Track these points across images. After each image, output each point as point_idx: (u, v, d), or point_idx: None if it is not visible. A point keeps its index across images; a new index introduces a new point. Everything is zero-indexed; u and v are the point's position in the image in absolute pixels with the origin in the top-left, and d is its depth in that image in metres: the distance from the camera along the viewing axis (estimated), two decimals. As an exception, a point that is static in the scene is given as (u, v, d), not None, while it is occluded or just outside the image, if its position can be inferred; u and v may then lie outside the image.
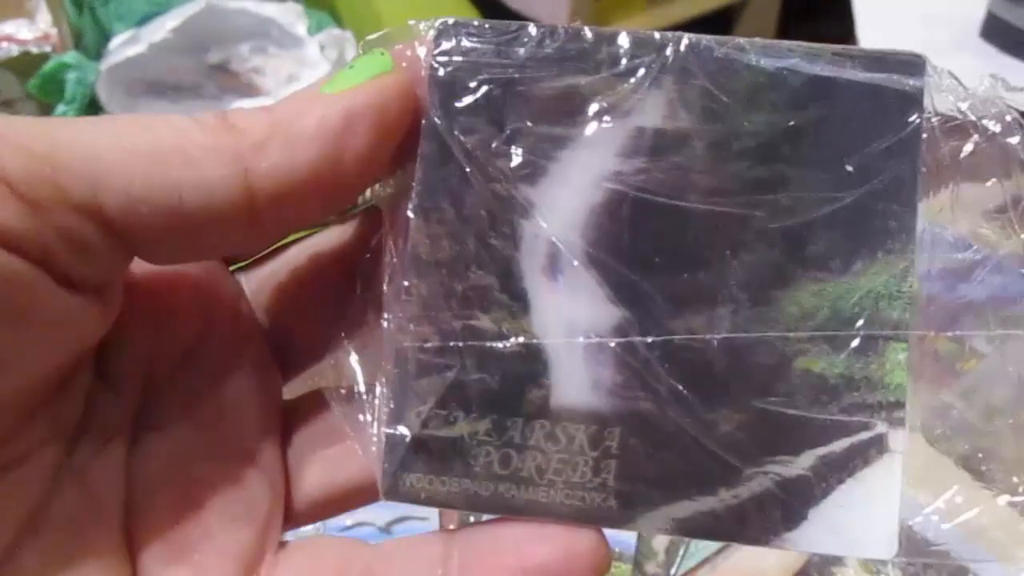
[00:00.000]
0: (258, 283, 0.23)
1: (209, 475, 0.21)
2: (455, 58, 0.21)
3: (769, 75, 0.21)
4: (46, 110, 0.91)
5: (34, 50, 0.89)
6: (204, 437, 0.21)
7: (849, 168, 0.20)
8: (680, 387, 0.20)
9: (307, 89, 0.19)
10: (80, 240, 0.17)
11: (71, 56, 0.89)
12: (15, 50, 0.89)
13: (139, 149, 0.17)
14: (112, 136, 0.17)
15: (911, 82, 0.20)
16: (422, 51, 0.21)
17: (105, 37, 0.96)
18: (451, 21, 0.21)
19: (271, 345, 0.23)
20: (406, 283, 0.20)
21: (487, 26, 0.21)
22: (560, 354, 0.20)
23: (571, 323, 0.20)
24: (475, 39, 0.21)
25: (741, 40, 0.21)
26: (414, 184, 0.21)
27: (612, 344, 0.20)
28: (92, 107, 0.92)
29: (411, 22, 0.21)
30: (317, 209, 0.20)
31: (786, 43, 0.21)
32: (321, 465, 0.22)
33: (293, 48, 0.98)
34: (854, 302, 0.20)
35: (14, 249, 0.16)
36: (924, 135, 0.20)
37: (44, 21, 0.91)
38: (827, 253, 0.20)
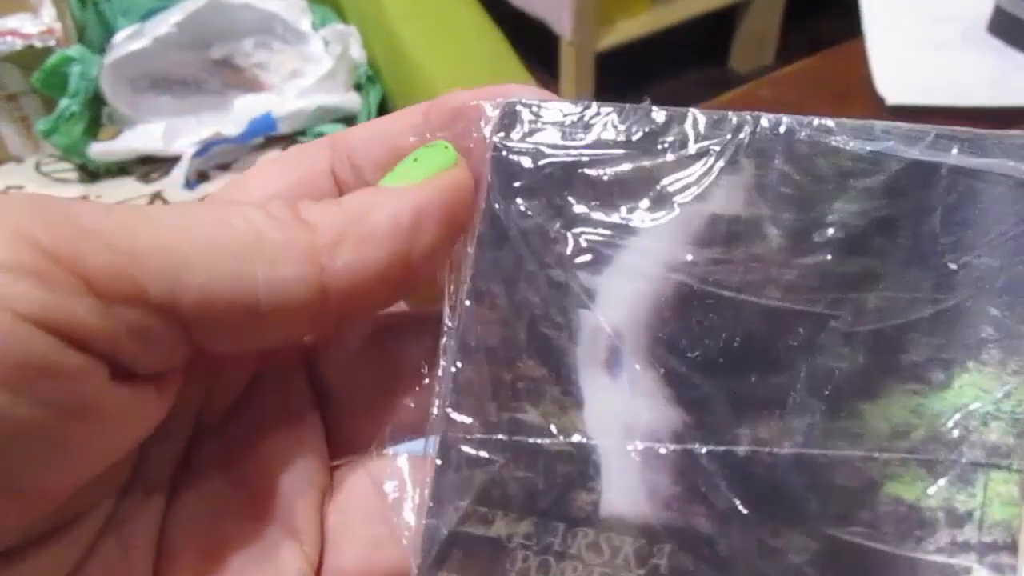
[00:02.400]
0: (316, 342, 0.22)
1: (241, 536, 0.20)
2: (518, 140, 0.20)
3: (859, 159, 0.18)
4: (49, 103, 0.90)
5: (38, 44, 0.88)
6: (241, 495, 0.20)
7: (952, 266, 0.17)
8: (742, 505, 0.17)
9: (374, 188, 0.19)
10: (149, 334, 0.17)
11: (75, 50, 0.88)
12: (19, 44, 0.88)
13: (218, 246, 0.17)
14: (192, 231, 0.17)
15: None
16: (487, 130, 0.20)
17: (109, 32, 0.95)
18: (516, 102, 0.20)
19: (323, 410, 0.22)
20: (453, 369, 0.19)
21: (553, 107, 0.20)
22: (613, 457, 0.18)
23: (628, 424, 0.18)
24: (540, 120, 0.20)
25: (828, 121, 0.18)
26: (470, 267, 0.19)
27: (670, 451, 0.18)
28: (95, 101, 0.92)
29: (478, 102, 0.20)
30: (385, 300, 0.20)
31: (880, 123, 0.18)
32: (360, 543, 0.21)
33: (297, 44, 0.98)
34: (956, 421, 0.17)
35: (83, 346, 0.15)
36: None
37: (48, 15, 0.90)
38: (925, 363, 0.17)
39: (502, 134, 0.20)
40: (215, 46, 0.96)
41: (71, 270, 0.15)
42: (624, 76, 1.40)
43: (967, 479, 0.17)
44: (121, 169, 0.93)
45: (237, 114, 0.94)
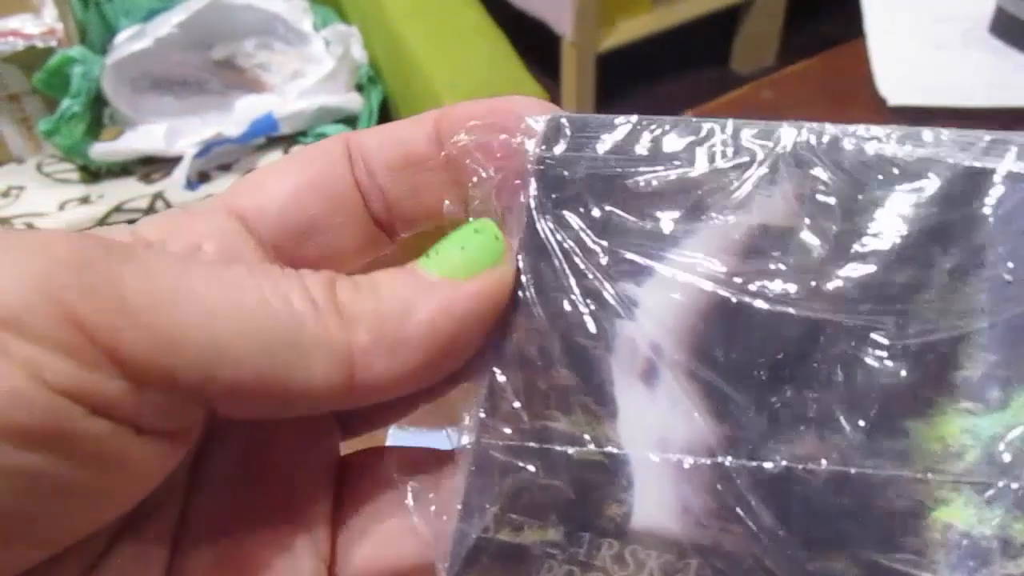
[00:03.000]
0: None
1: (254, 534, 0.20)
2: (560, 153, 0.19)
3: (907, 167, 0.17)
4: (51, 104, 0.90)
5: (39, 45, 0.88)
6: (253, 492, 0.20)
7: (1008, 278, 0.16)
8: (778, 525, 0.16)
9: (413, 277, 0.19)
10: (174, 410, 0.17)
11: (77, 51, 0.88)
12: (20, 44, 0.88)
13: (254, 337, 0.17)
14: (231, 313, 0.17)
15: None
16: (530, 144, 0.20)
17: (111, 32, 0.94)
18: (560, 116, 0.20)
19: None
20: (489, 376, 0.19)
21: (595, 121, 0.19)
22: (645, 469, 0.18)
23: (662, 437, 0.18)
24: (582, 134, 0.20)
25: (875, 128, 0.18)
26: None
27: (704, 464, 0.17)
28: (97, 102, 0.92)
29: (527, 119, 0.20)
30: (411, 398, 0.20)
31: (929, 130, 0.17)
32: (373, 539, 0.21)
33: (298, 44, 0.98)
34: (1014, 443, 0.16)
35: (109, 415, 0.16)
36: None
37: (50, 16, 0.90)
38: (980, 380, 0.16)
39: (544, 147, 0.20)
40: (217, 47, 0.96)
41: (106, 351, 0.15)
42: (625, 77, 1.40)
43: None
44: (123, 169, 0.92)
45: (238, 115, 0.94)
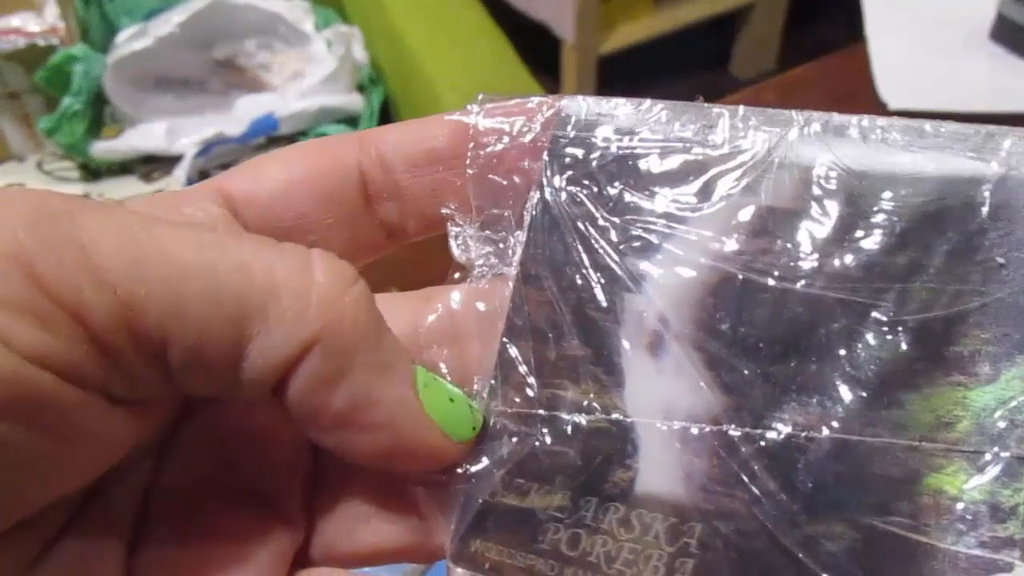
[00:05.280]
0: None
1: (222, 516, 0.19)
2: (573, 134, 0.20)
3: (909, 156, 0.18)
4: (52, 102, 0.90)
5: (41, 43, 0.88)
6: (223, 475, 0.20)
7: (1001, 260, 0.17)
8: (778, 490, 0.17)
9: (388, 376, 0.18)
10: (137, 374, 0.16)
11: (78, 49, 0.88)
12: (22, 42, 0.88)
13: (214, 300, 0.16)
14: (196, 277, 0.16)
15: None
16: (537, 122, 0.20)
17: (112, 31, 0.95)
18: (574, 98, 0.20)
19: None
20: (499, 347, 0.20)
21: (608, 103, 0.20)
22: (651, 436, 0.18)
23: (667, 406, 0.18)
24: (595, 115, 0.20)
25: (879, 119, 0.18)
26: (520, 250, 0.20)
27: (708, 432, 0.18)
28: (98, 100, 0.92)
29: (539, 98, 0.20)
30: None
31: (931, 122, 0.18)
32: (349, 522, 0.20)
33: (299, 44, 0.98)
34: (1002, 415, 0.16)
35: (76, 382, 0.15)
36: None
37: (51, 14, 0.90)
38: (972, 355, 0.17)
39: (559, 127, 0.20)
40: (218, 46, 0.96)
41: (71, 315, 0.15)
42: (626, 80, 1.40)
43: (1012, 474, 0.16)
44: (123, 168, 0.93)
45: (239, 114, 0.94)
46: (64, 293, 0.15)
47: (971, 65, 0.59)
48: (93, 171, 0.92)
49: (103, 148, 0.90)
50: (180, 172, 0.88)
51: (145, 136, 0.91)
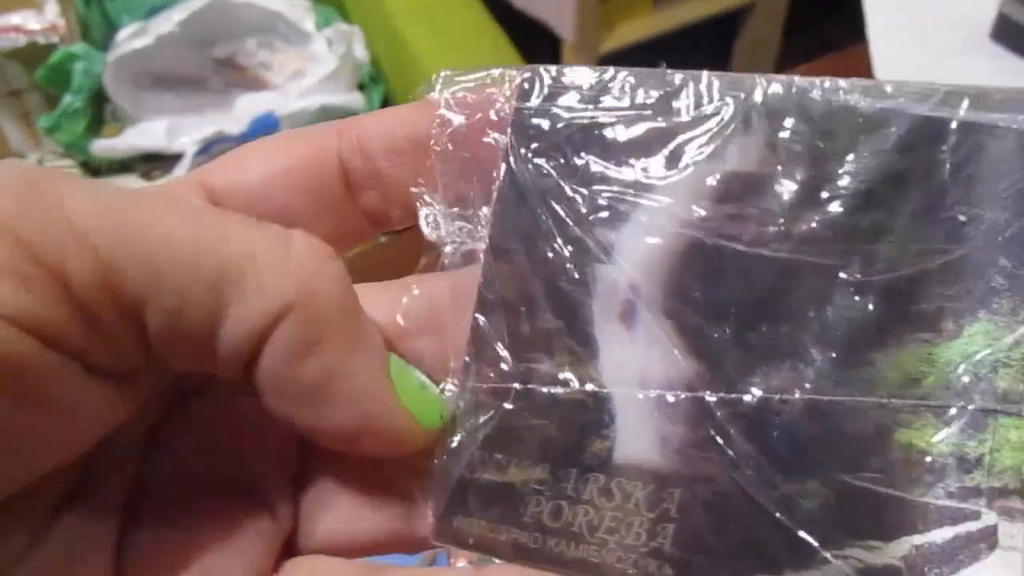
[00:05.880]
0: None
1: (210, 506, 0.19)
2: (537, 104, 0.20)
3: (870, 117, 0.18)
4: (52, 100, 0.90)
5: (41, 40, 0.88)
6: (211, 465, 0.20)
7: (962, 218, 0.17)
8: (754, 452, 0.18)
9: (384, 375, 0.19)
10: (118, 341, 0.16)
11: (78, 47, 0.88)
12: (22, 40, 0.88)
13: (193, 267, 0.16)
14: (176, 243, 0.16)
15: None
16: (501, 95, 0.20)
17: (112, 29, 0.95)
18: (537, 68, 0.20)
19: None
20: (472, 322, 0.20)
21: (571, 72, 0.20)
22: (627, 406, 0.19)
23: (642, 374, 0.19)
24: (559, 85, 0.20)
25: (841, 81, 0.19)
26: (489, 225, 0.20)
27: (683, 399, 0.18)
28: (98, 98, 0.92)
29: (497, 68, 0.20)
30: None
31: (891, 82, 0.18)
32: (336, 512, 0.20)
33: (300, 43, 0.98)
34: (966, 369, 0.17)
35: (58, 347, 0.15)
36: None
37: (52, 12, 0.90)
38: (936, 312, 0.17)
39: (521, 98, 0.20)
40: (218, 45, 0.96)
41: (53, 276, 0.15)
42: (626, 79, 1.40)
43: (977, 426, 0.17)
44: (123, 166, 0.93)
45: (239, 113, 0.94)
46: (46, 255, 0.15)
47: (972, 65, 0.58)
48: (93, 169, 0.93)
49: (103, 146, 0.90)
50: (180, 171, 0.88)
51: (145, 134, 0.91)
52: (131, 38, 0.91)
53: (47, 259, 0.15)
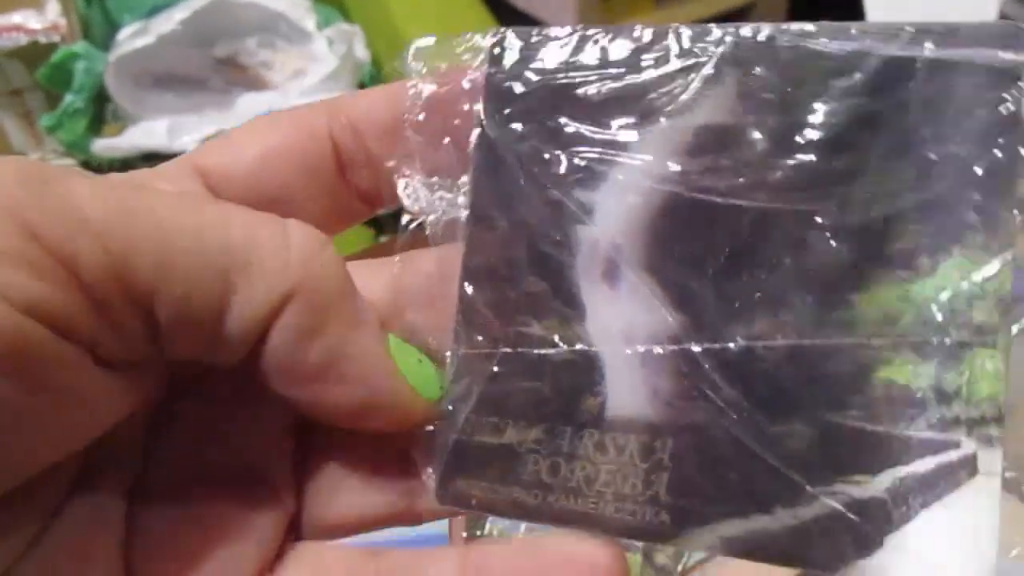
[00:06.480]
0: None
1: (215, 489, 0.20)
2: (509, 67, 0.20)
3: (839, 60, 0.18)
4: (54, 99, 0.90)
5: (43, 40, 0.88)
6: (215, 448, 0.20)
7: (934, 156, 0.18)
8: (740, 398, 0.18)
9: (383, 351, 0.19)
10: (127, 330, 0.17)
11: (80, 46, 0.88)
12: (23, 40, 0.88)
13: (200, 256, 0.17)
14: (182, 231, 0.17)
15: (1006, 56, 0.17)
16: (474, 61, 0.20)
17: (113, 28, 0.95)
18: (507, 30, 0.20)
19: None
20: (459, 290, 0.20)
21: (542, 34, 0.20)
22: (615, 362, 0.19)
23: (628, 331, 0.19)
24: (530, 47, 0.20)
25: (808, 25, 0.19)
26: (468, 193, 0.20)
27: (669, 352, 0.19)
28: (100, 97, 0.92)
29: (467, 34, 0.20)
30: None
31: (858, 24, 0.19)
32: (339, 492, 0.21)
33: (301, 43, 0.98)
34: (942, 304, 0.17)
35: (69, 335, 0.16)
36: None
37: (53, 11, 0.90)
38: (911, 250, 0.18)
39: (494, 63, 0.20)
40: (219, 44, 0.96)
41: (64, 264, 0.15)
42: (627, 79, 1.40)
43: (954, 357, 0.17)
44: (125, 165, 0.93)
45: (240, 112, 0.94)
46: (57, 243, 0.15)
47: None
48: (95, 168, 0.93)
49: (104, 146, 0.90)
50: (181, 170, 0.88)
51: (146, 134, 0.91)
52: (132, 37, 0.91)
53: (59, 249, 0.15)
